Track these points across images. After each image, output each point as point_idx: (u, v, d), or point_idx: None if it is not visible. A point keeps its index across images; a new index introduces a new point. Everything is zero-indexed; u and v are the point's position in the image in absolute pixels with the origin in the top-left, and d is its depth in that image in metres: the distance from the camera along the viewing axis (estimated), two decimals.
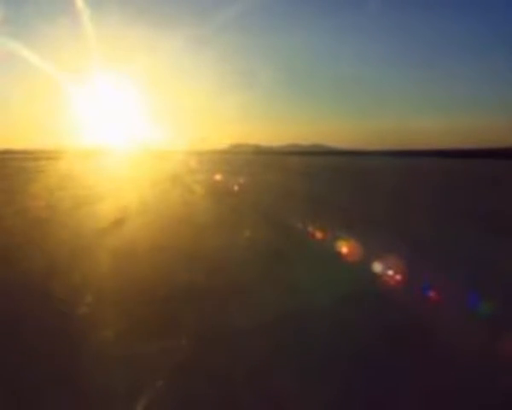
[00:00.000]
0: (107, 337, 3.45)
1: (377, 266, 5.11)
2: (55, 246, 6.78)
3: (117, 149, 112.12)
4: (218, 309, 4.06)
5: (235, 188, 16.80)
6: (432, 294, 4.21)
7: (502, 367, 3.00)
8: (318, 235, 7.33)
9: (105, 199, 13.14)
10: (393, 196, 14.91)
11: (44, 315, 3.90)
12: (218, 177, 23.46)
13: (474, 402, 2.67)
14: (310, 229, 7.77)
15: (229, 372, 2.95)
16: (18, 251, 6.43)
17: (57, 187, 16.91)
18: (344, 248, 6.20)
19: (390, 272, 4.91)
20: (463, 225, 8.69)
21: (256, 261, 5.84)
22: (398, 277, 4.81)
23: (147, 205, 11.86)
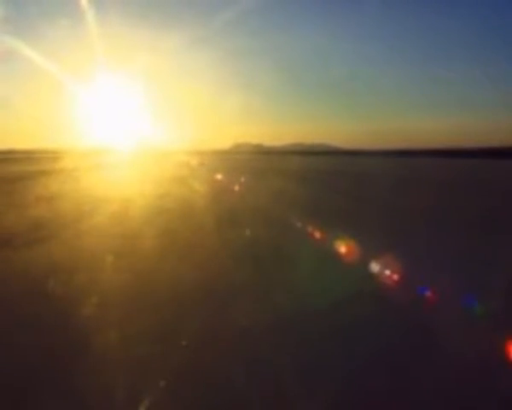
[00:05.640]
0: None
1: None
2: None
3: (119, 149, 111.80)
4: None
5: (236, 188, 16.38)
6: None
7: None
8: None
9: (110, 196, 12.83)
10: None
11: None
12: (219, 176, 23.07)
13: None
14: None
15: None
16: None
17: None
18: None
19: None
20: None
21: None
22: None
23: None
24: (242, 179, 20.15)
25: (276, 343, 3.33)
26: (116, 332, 3.46)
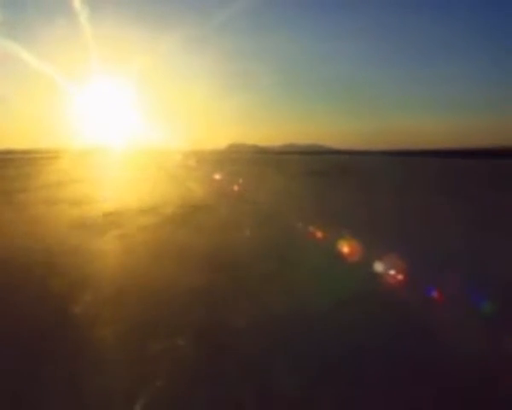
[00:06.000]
0: None
1: None
2: None
3: (115, 149, 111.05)
4: None
5: (235, 188, 16.51)
6: None
7: None
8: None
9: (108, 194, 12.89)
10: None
11: None
12: (216, 176, 23.20)
13: None
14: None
15: None
16: None
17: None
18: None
19: None
20: None
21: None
22: None
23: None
24: (240, 181, 20.31)
25: None
26: None
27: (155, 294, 4.56)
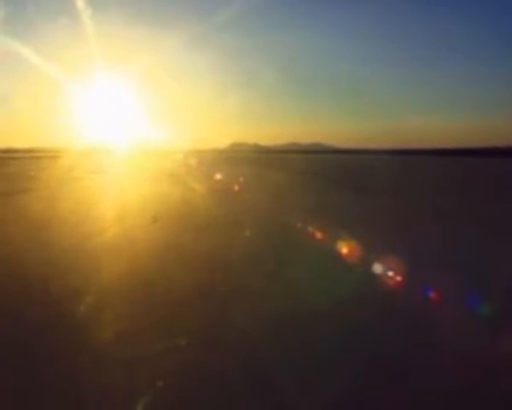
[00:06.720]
0: None
1: None
2: None
3: (118, 148, 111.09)
4: None
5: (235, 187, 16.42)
6: None
7: None
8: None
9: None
10: None
11: None
12: (218, 175, 23.11)
13: None
14: None
15: None
16: None
17: None
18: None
19: None
20: None
21: None
22: None
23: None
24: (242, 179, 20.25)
25: None
26: None
27: None
